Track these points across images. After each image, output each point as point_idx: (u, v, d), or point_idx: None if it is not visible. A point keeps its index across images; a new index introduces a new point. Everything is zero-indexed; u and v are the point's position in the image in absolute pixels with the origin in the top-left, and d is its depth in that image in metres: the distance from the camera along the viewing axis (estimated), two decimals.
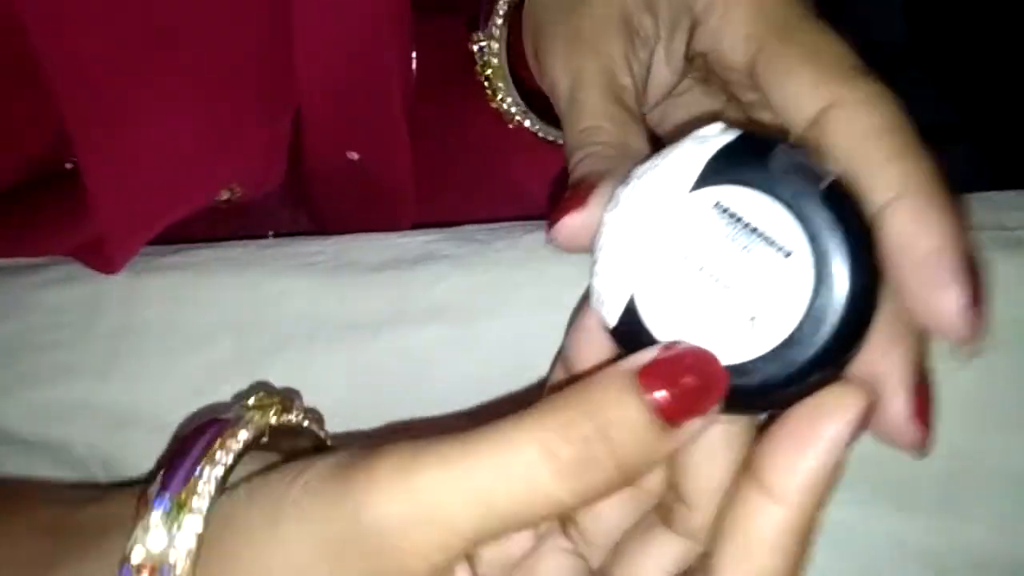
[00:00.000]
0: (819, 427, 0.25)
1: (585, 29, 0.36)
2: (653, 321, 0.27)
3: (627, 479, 0.25)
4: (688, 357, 0.26)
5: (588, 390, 0.26)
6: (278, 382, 0.43)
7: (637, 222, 0.27)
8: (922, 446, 0.28)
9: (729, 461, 0.28)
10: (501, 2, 0.42)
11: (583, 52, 0.35)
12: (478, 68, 0.44)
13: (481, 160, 0.46)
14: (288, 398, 0.33)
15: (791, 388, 0.26)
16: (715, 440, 0.28)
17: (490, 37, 0.43)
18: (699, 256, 0.26)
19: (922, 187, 0.28)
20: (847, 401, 0.25)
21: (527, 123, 0.46)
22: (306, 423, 0.34)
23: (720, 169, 0.26)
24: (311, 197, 0.52)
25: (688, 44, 0.35)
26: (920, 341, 0.29)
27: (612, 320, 0.28)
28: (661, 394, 0.25)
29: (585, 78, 0.35)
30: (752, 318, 0.26)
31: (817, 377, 0.26)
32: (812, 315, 0.25)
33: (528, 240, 0.44)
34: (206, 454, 0.29)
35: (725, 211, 0.26)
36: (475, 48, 0.43)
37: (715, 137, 0.28)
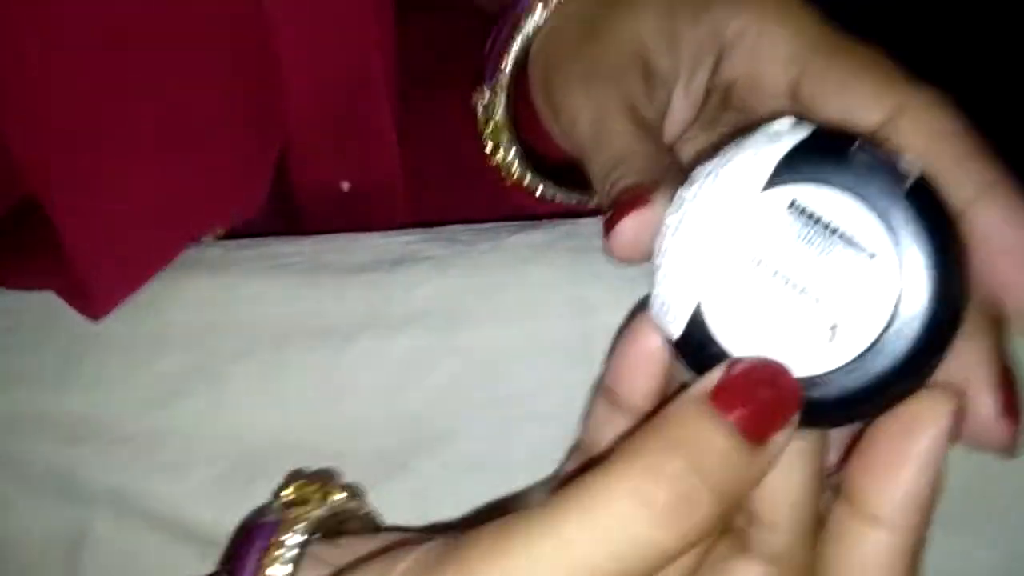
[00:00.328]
0: (915, 440, 0.24)
1: (603, 65, 0.34)
2: (722, 331, 0.25)
3: (727, 510, 0.24)
4: (757, 370, 0.24)
5: (665, 425, 0.24)
6: (246, 389, 0.41)
7: (704, 224, 0.25)
8: (1012, 446, 0.27)
9: (805, 476, 0.26)
10: (508, 56, 0.40)
11: (604, 85, 0.34)
12: (480, 124, 0.42)
13: (465, 159, 0.44)
14: (327, 479, 0.32)
15: (874, 400, 0.24)
16: (788, 455, 0.26)
17: (495, 91, 0.40)
18: (773, 260, 0.24)
19: (1003, 184, 0.28)
20: (939, 409, 0.24)
21: (527, 179, 0.43)
22: (352, 503, 0.33)
23: (794, 167, 0.25)
24: (301, 225, 0.50)
25: (712, 77, 0.34)
26: (1000, 335, 0.27)
27: (676, 331, 0.26)
28: (740, 413, 0.24)
29: (610, 107, 0.33)
30: (832, 326, 0.24)
31: (902, 388, 0.24)
32: (897, 321, 0.24)
33: (513, 242, 0.42)
34: (260, 567, 0.28)
35: (801, 211, 0.24)
36: (478, 105, 0.41)
37: (788, 132, 0.26)
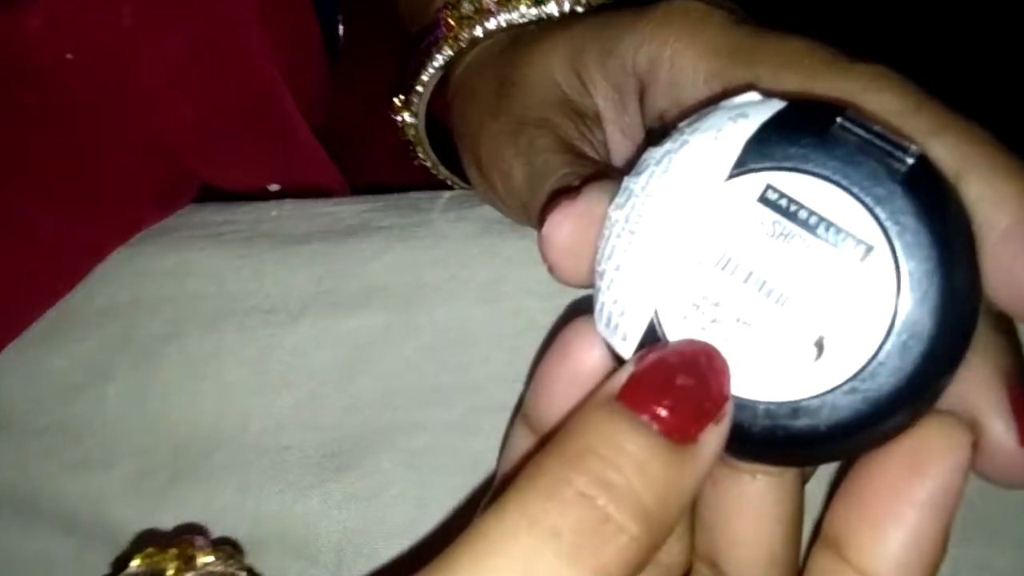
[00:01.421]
0: (921, 480, 0.20)
1: (528, 117, 0.30)
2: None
3: (656, 533, 0.19)
4: (675, 355, 0.20)
5: (567, 436, 0.19)
6: (175, 375, 0.36)
7: (657, 221, 0.21)
8: None
9: (779, 522, 0.22)
10: (424, 78, 0.36)
11: (533, 134, 0.30)
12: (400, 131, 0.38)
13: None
14: (187, 543, 0.27)
15: (871, 431, 0.20)
16: (760, 497, 0.22)
17: (410, 111, 0.37)
18: (743, 263, 0.21)
19: (983, 154, 0.23)
20: (953, 439, 0.20)
21: (454, 182, 0.40)
22: (220, 567, 0.29)
23: (765, 149, 0.21)
24: None
25: (643, 111, 0.30)
26: (1014, 347, 0.23)
27: (628, 348, 0.22)
28: (657, 408, 0.19)
29: (540, 147, 0.29)
30: (817, 341, 0.20)
31: (905, 414, 0.20)
32: (896, 334, 0.20)
33: (482, 212, 0.37)
34: None
35: (775, 204, 0.21)
36: (396, 118, 0.37)
37: (755, 108, 0.22)
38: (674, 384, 0.19)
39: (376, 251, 0.36)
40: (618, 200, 0.22)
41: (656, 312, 0.22)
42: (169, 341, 0.36)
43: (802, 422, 0.21)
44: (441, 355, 0.35)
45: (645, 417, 0.19)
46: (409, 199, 0.38)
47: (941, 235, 0.20)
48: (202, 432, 0.35)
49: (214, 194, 0.42)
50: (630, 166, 0.23)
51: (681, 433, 0.19)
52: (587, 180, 0.25)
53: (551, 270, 0.24)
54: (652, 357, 0.20)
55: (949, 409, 0.22)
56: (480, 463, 0.34)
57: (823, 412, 0.20)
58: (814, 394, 0.20)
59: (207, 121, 0.39)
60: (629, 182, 0.22)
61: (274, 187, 0.43)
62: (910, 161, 0.20)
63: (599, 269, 0.23)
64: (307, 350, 0.36)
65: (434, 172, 0.39)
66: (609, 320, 0.22)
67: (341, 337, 0.36)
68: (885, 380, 0.20)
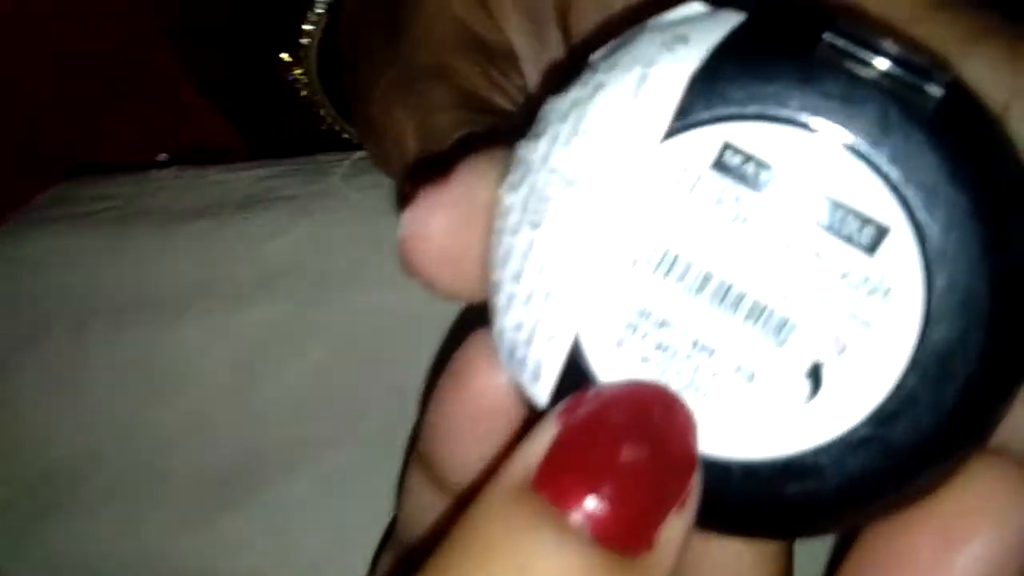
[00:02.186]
0: (967, 547, 0.15)
1: (422, 64, 0.24)
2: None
3: None
4: (612, 410, 0.14)
5: (455, 549, 0.14)
6: (33, 391, 0.30)
7: (568, 205, 0.15)
8: None
9: None
10: (307, 27, 0.29)
11: (427, 85, 0.24)
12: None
13: None
14: None
15: (894, 494, 0.15)
16: (733, 561, 0.17)
17: (301, 66, 0.31)
18: (697, 262, 0.15)
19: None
20: (1009, 491, 0.15)
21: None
22: None
23: (719, 89, 0.15)
24: None
25: (567, 39, 0.24)
26: None
27: (542, 392, 0.16)
28: (590, 503, 0.13)
29: (436, 103, 0.23)
30: (811, 370, 0.15)
31: (943, 467, 0.15)
32: (928, 353, 0.14)
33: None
34: None
35: (739, 171, 0.15)
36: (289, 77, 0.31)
37: (699, 25, 0.15)
38: (617, 458, 0.13)
39: (275, 229, 0.30)
40: (511, 178, 0.16)
41: (578, 338, 0.15)
42: (27, 345, 0.31)
43: (796, 486, 0.15)
44: (356, 354, 0.29)
45: (573, 515, 0.13)
46: (316, 162, 0.32)
47: (988, 203, 0.14)
48: (69, 456, 0.30)
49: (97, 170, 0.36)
50: (524, 123, 0.16)
51: (629, 538, 0.13)
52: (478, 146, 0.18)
53: (406, 266, 0.17)
54: (581, 414, 0.14)
55: (1002, 447, 0.16)
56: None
57: (825, 471, 0.15)
58: (811, 447, 0.15)
59: (64, 77, 0.32)
60: (524, 151, 0.16)
61: (162, 156, 0.36)
62: (936, 92, 0.14)
63: (493, 280, 0.16)
64: (194, 352, 0.30)
65: (346, 136, 0.33)
66: (512, 351, 0.16)
67: (235, 335, 0.30)
68: (914, 421, 0.14)
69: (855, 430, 0.15)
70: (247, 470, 0.29)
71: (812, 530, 0.16)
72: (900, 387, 0.15)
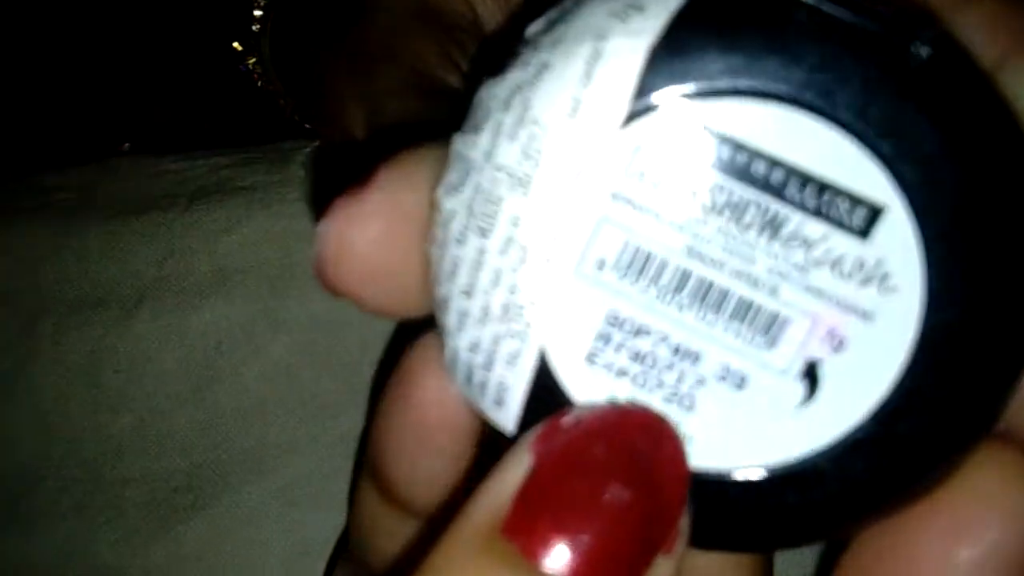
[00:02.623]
0: (975, 539, 0.14)
1: (373, 45, 0.22)
2: (591, 400, 0.14)
3: None
4: (593, 442, 0.13)
5: None
6: None
7: (519, 207, 0.13)
8: None
9: None
10: (258, 13, 0.27)
11: (377, 69, 0.22)
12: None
13: None
14: None
15: (900, 495, 0.14)
16: (711, 566, 0.16)
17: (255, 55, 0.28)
18: (671, 258, 0.14)
19: None
20: (1017, 481, 0.14)
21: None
22: None
23: (681, 62, 0.13)
24: None
25: None
26: None
27: (507, 418, 0.14)
28: (567, 551, 0.12)
29: (385, 90, 0.21)
30: (806, 369, 0.14)
31: (953, 462, 0.14)
32: (932, 341, 0.13)
33: None
34: None
35: (718, 156, 0.13)
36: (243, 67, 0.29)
37: None
38: (599, 498, 0.12)
39: (232, 220, 0.28)
40: (450, 178, 0.14)
41: (544, 355, 0.14)
42: None
43: (797, 494, 0.14)
44: (318, 354, 0.27)
45: (548, 565, 0.11)
46: (278, 150, 0.30)
47: (989, 174, 0.13)
48: (15, 465, 0.28)
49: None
50: (460, 111, 0.14)
51: None
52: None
53: (326, 284, 0.15)
54: (558, 445, 0.13)
55: (1006, 431, 0.15)
56: None
57: (828, 477, 0.14)
58: (811, 451, 0.14)
59: None
60: (463, 146, 0.14)
61: (125, 146, 0.34)
62: (923, 52, 0.13)
63: (439, 295, 0.14)
64: (148, 353, 0.28)
65: (309, 126, 0.31)
66: (469, 375, 0.14)
67: (189, 335, 0.28)
68: (919, 416, 0.13)
69: (857, 430, 0.14)
70: (204, 478, 0.27)
71: (815, 538, 0.15)
72: (902, 381, 0.14)
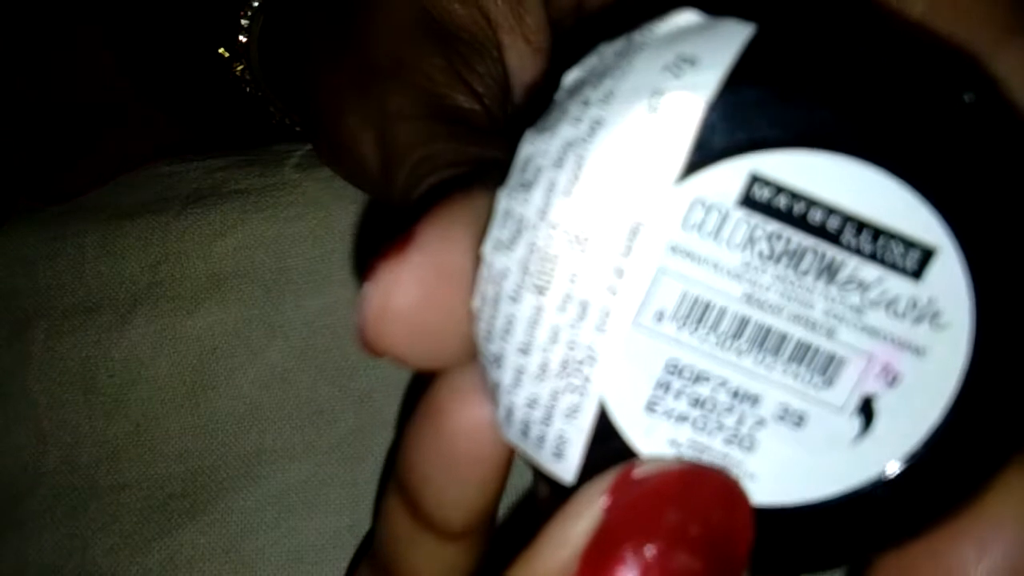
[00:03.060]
0: (994, 548, 0.14)
1: (378, 60, 0.22)
2: (652, 446, 0.14)
3: None
4: (663, 500, 0.13)
5: None
6: None
7: (579, 264, 0.14)
8: None
9: None
10: (244, 23, 0.27)
11: (383, 87, 0.21)
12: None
13: None
14: None
15: (947, 516, 0.14)
16: None
17: (242, 62, 0.28)
18: (730, 306, 0.14)
19: None
20: None
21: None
22: None
23: (737, 115, 0.13)
24: None
25: (550, 5, 0.22)
26: None
27: (567, 470, 0.14)
28: None
29: (395, 111, 0.21)
30: (863, 406, 0.14)
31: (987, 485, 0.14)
32: (983, 372, 0.14)
33: None
34: None
35: (769, 206, 0.13)
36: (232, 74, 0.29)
37: (705, 42, 0.13)
38: (670, 565, 0.12)
39: (227, 224, 0.28)
40: (499, 235, 0.14)
41: (604, 406, 0.14)
42: None
43: (855, 521, 0.14)
44: (315, 359, 0.27)
45: None
46: (271, 152, 0.30)
47: None
48: (11, 470, 0.28)
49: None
50: (503, 165, 0.14)
51: None
52: (453, 177, 0.16)
53: (368, 348, 0.15)
54: (630, 497, 0.13)
55: None
56: (370, 496, 0.26)
57: (885, 504, 0.14)
58: (868, 481, 0.14)
59: None
60: (513, 202, 0.14)
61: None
62: (968, 98, 0.13)
63: (491, 352, 0.14)
64: (142, 358, 0.28)
65: (300, 130, 0.30)
66: (526, 429, 0.14)
67: (185, 340, 0.28)
68: (968, 444, 0.14)
69: (911, 459, 0.14)
70: (199, 484, 0.27)
71: (865, 560, 0.15)
72: (952, 410, 0.14)
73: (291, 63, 0.26)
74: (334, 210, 0.28)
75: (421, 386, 0.18)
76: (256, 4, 0.26)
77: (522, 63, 0.22)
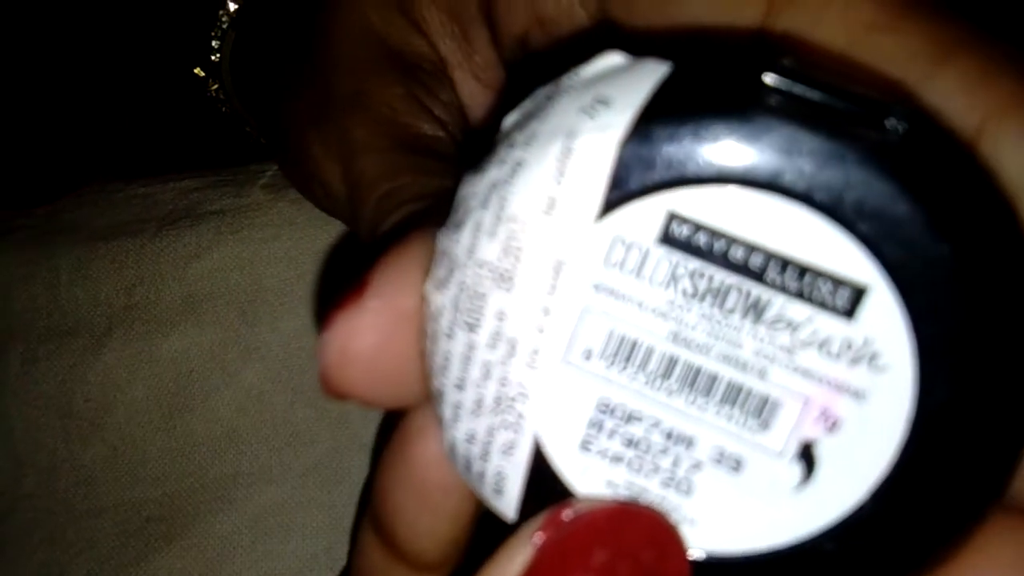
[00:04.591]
0: None
1: (339, 91, 0.22)
2: (589, 487, 0.14)
3: None
4: (591, 542, 0.13)
5: None
6: None
7: (503, 303, 0.14)
8: None
9: None
10: (215, 44, 0.26)
11: (345, 119, 0.22)
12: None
13: None
14: None
15: (907, 572, 0.14)
16: None
17: (218, 79, 0.28)
18: (657, 344, 0.14)
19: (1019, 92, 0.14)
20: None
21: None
22: None
23: (653, 152, 0.13)
24: None
25: (497, 36, 0.21)
26: None
27: (508, 506, 0.14)
28: None
29: (357, 143, 0.21)
30: (803, 452, 0.14)
31: (956, 538, 0.14)
32: (924, 423, 0.13)
33: None
34: None
35: (688, 243, 0.13)
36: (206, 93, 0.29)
37: (621, 84, 0.13)
38: None
39: (201, 246, 0.28)
40: (437, 274, 0.14)
41: (539, 444, 0.14)
42: None
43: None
44: (291, 381, 0.27)
45: None
46: (247, 172, 0.30)
47: (972, 248, 0.13)
48: None
49: None
50: (446, 205, 0.14)
51: None
52: (405, 217, 0.16)
53: (330, 391, 0.15)
54: (558, 539, 0.13)
55: (1014, 499, 0.14)
56: (347, 519, 0.26)
57: (832, 557, 0.14)
58: (813, 532, 0.14)
59: None
60: (447, 242, 0.14)
61: None
62: (898, 128, 0.13)
63: (434, 388, 0.15)
64: (118, 382, 0.28)
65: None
66: (468, 465, 0.15)
67: (160, 363, 0.28)
68: (921, 493, 0.13)
69: (858, 510, 0.13)
70: (176, 507, 0.27)
71: None
72: (900, 459, 0.13)
73: (260, 87, 0.26)
74: (309, 231, 0.28)
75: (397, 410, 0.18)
76: (225, 25, 0.26)
77: (474, 99, 0.22)
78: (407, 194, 0.19)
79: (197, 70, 0.27)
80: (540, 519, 0.13)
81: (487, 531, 0.15)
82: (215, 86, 0.27)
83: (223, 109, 0.28)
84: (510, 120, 0.14)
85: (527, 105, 0.14)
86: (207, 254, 0.28)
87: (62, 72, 0.33)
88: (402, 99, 0.21)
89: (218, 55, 0.26)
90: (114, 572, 0.27)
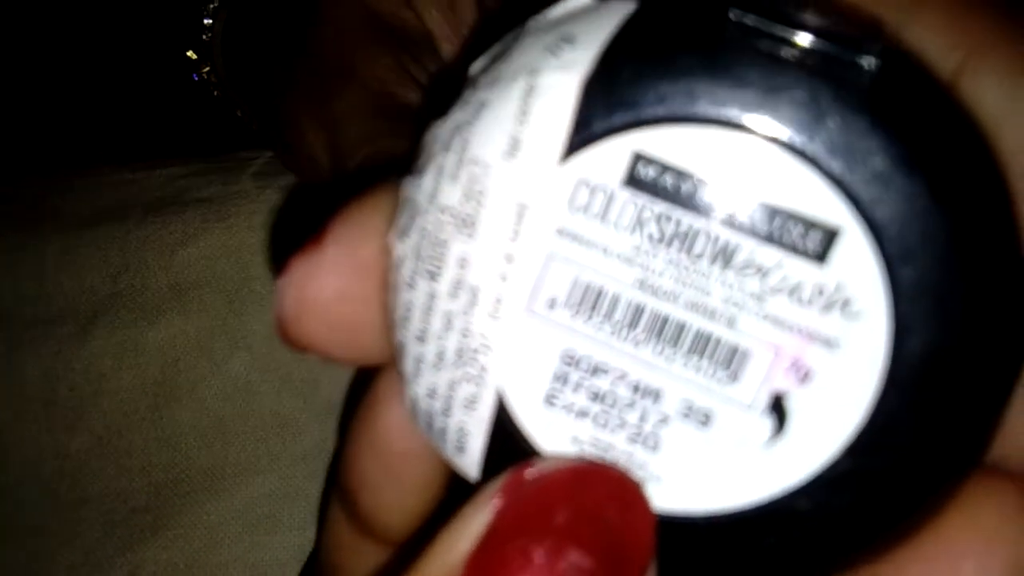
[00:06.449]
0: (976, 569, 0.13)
1: (328, 64, 0.22)
2: (554, 443, 0.14)
3: None
4: (554, 501, 0.12)
5: None
6: None
7: (464, 250, 0.13)
8: None
9: None
10: (207, 21, 0.26)
11: (333, 91, 0.21)
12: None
13: None
14: None
15: (883, 532, 0.13)
16: None
17: (210, 61, 0.28)
18: (623, 293, 0.13)
19: (996, 31, 0.14)
20: (1011, 520, 0.13)
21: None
22: None
23: (618, 93, 0.12)
24: None
25: (482, 6, 0.22)
26: None
27: (470, 465, 0.14)
28: None
29: (343, 113, 0.21)
30: (774, 405, 0.13)
31: (935, 499, 0.13)
32: (903, 368, 0.12)
33: None
34: None
35: (654, 184, 0.12)
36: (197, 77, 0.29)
37: (585, 23, 0.13)
38: (558, 564, 0.11)
39: (188, 233, 0.28)
40: (400, 223, 0.14)
41: (502, 398, 0.13)
42: None
43: (773, 536, 0.13)
44: (279, 370, 0.27)
45: None
46: (236, 160, 0.29)
47: (949, 187, 0.12)
48: None
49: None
50: (410, 154, 0.14)
51: None
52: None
53: (286, 339, 0.15)
54: (520, 498, 0.12)
55: (999, 462, 0.14)
56: None
57: (804, 516, 0.13)
58: (785, 490, 0.13)
59: None
60: (410, 189, 0.13)
61: None
62: (871, 64, 0.12)
63: (396, 341, 0.14)
64: (104, 370, 0.27)
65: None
66: (430, 422, 0.14)
67: (147, 351, 0.27)
68: (897, 448, 0.12)
69: (832, 466, 0.13)
70: (162, 498, 0.27)
71: None
72: (877, 411, 0.12)
73: (251, 65, 0.25)
74: (295, 219, 0.28)
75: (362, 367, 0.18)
76: (216, 3, 0.26)
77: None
78: (384, 158, 0.19)
79: (190, 52, 0.27)
80: (501, 480, 0.13)
81: (452, 492, 0.15)
82: (206, 69, 0.27)
83: (214, 92, 0.28)
84: (478, 65, 0.13)
85: (495, 49, 0.13)
86: (194, 242, 0.28)
87: (50, 57, 0.32)
88: (390, 69, 0.21)
89: (209, 34, 0.26)
90: (99, 562, 0.26)
